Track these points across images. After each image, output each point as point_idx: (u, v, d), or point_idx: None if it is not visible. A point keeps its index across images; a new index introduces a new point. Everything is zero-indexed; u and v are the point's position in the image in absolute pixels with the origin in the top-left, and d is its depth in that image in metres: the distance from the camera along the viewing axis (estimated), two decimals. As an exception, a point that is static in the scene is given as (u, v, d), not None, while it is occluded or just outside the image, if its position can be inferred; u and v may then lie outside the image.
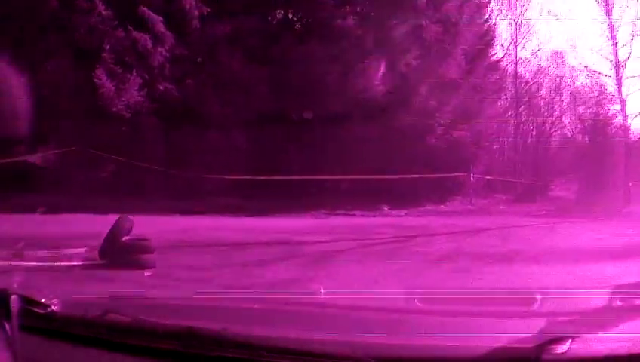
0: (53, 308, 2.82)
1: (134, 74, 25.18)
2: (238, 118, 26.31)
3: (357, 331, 2.81)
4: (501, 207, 33.35)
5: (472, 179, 33.01)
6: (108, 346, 2.67)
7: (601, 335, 2.66)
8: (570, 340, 2.37)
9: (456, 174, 31.37)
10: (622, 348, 2.37)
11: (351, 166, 26.97)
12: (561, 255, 12.95)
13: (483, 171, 36.32)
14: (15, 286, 2.71)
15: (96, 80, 24.28)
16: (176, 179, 25.15)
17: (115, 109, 24.78)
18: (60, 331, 2.77)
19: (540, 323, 2.82)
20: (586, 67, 44.79)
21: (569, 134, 49.64)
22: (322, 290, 5.04)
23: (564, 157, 47.74)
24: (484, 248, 14.82)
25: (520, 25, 47.46)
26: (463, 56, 32.81)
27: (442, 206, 30.39)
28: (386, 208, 26.13)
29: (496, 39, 40.84)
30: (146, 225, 12.92)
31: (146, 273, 10.14)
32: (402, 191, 27.57)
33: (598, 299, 4.41)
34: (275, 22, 30.67)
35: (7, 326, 2.50)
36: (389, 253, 13.63)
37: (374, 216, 24.16)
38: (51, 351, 2.71)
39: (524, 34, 47.86)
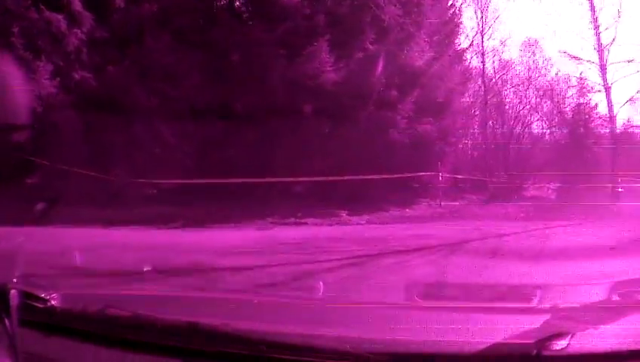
0: (53, 302, 2.96)
1: (43, 60, 21.77)
2: (168, 111, 22.93)
3: (356, 327, 2.98)
4: (474, 210, 29.78)
5: (440, 178, 29.88)
6: (107, 341, 2.79)
7: (601, 330, 2.74)
8: (570, 336, 2.48)
9: (422, 173, 28.64)
10: (622, 343, 2.50)
11: (302, 166, 23.91)
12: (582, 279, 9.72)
13: (450, 170, 33.68)
14: (15, 280, 2.82)
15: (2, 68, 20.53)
16: (99, 184, 21.72)
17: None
18: (59, 326, 2.91)
19: (540, 319, 2.92)
20: (565, 52, 42.05)
21: (545, 127, 47.88)
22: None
23: (539, 152, 45.51)
24: (468, 272, 11.36)
25: (486, 11, 44.64)
26: (426, 42, 30.12)
27: (408, 210, 27.06)
28: (343, 214, 22.74)
29: (461, 27, 38.42)
30: (52, 240, 12.01)
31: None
32: (362, 194, 24.59)
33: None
34: (210, -1, 27.13)
35: (6, 321, 2.59)
36: (340, 287, 9.79)
37: (330, 225, 20.96)
38: (51, 345, 2.84)
39: (492, 22, 45.00)
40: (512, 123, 46.24)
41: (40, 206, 15.16)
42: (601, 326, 2.79)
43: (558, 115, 45.65)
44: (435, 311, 3.53)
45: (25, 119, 20.71)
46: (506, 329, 2.73)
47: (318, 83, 24.86)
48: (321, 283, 6.40)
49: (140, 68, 23.56)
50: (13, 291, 2.64)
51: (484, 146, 44.38)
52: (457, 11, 37.18)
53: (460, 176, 35.97)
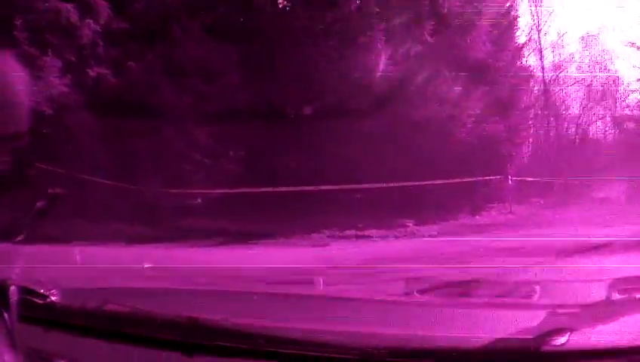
0: (53, 298, 2.99)
1: (50, 55, 19.03)
2: (202, 111, 20.21)
3: (356, 321, 2.99)
4: (546, 215, 27.14)
5: (509, 182, 27.50)
6: (107, 336, 2.82)
7: (600, 326, 2.68)
8: (569, 332, 2.44)
9: (492, 177, 26.61)
10: (621, 340, 2.46)
11: (360, 171, 21.87)
12: None
13: (516, 172, 30.74)
14: (14, 276, 2.80)
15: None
16: (125, 196, 19.61)
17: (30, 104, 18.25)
18: (59, 321, 2.94)
19: (539, 315, 2.88)
20: (631, 44, 39.21)
21: (609, 125, 45.79)
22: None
23: (604, 152, 42.96)
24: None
25: (541, 6, 42.57)
26: (487, 35, 27.74)
27: (478, 217, 25.01)
28: (410, 224, 20.30)
29: (518, 21, 35.39)
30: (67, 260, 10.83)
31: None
32: (427, 201, 22.20)
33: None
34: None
35: (6, 317, 2.57)
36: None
37: (396, 238, 18.64)
38: (51, 341, 2.87)
39: (547, 16, 43.06)
40: (574, 121, 44.61)
41: (40, 204, 13.10)
42: (601, 321, 2.70)
43: (623, 111, 43.87)
44: (435, 306, 3.60)
45: (31, 124, 18.72)
46: (505, 324, 2.74)
47: (374, 78, 22.37)
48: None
49: (166, 63, 20.76)
50: (12, 287, 2.60)
51: (547, 147, 42.48)
52: (513, 3, 34.29)
53: (529, 179, 33.39)
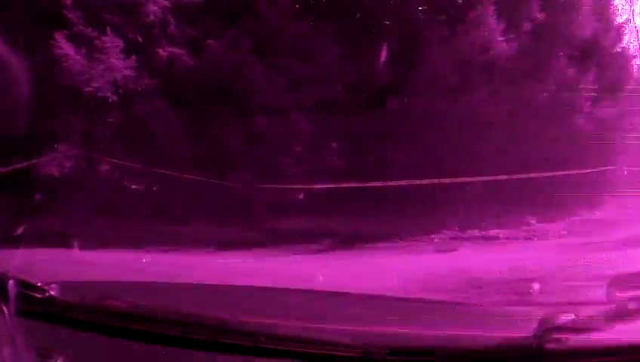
0: (52, 292, 2.95)
1: (108, 33, 17.30)
2: (299, 96, 17.96)
3: (355, 319, 2.97)
4: None
5: (624, 172, 25.07)
6: (106, 331, 2.80)
7: (601, 324, 2.64)
8: (570, 329, 2.45)
9: (606, 168, 24.22)
10: (623, 338, 2.46)
11: (477, 162, 19.29)
12: None
13: (629, 162, 27.25)
14: (13, 270, 2.85)
15: (57, 50, 16.90)
16: (214, 193, 17.40)
17: (90, 89, 16.96)
18: (58, 316, 2.91)
19: (541, 313, 2.79)
20: None
21: None
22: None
23: None
24: None
25: None
26: (590, 11, 25.29)
27: (597, 212, 23.00)
28: (532, 221, 18.74)
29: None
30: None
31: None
32: (546, 195, 20.05)
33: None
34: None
35: (5, 311, 2.61)
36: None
37: (527, 239, 16.89)
38: (49, 335, 2.83)
39: None
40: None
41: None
42: (601, 320, 2.65)
43: None
44: (435, 304, 3.81)
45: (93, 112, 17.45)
46: (506, 323, 2.78)
47: (488, 57, 20.17)
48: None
49: (253, 41, 18.20)
50: (11, 281, 2.63)
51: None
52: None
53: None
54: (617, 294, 3.64)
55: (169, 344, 2.61)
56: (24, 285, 2.76)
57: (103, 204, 16.96)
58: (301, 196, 18.57)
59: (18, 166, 16.60)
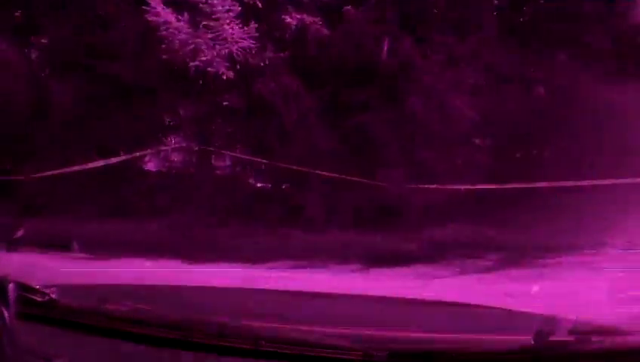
0: (52, 295, 2.96)
1: None
2: (454, 76, 15.14)
3: (355, 322, 2.97)
4: None
5: None
6: (107, 334, 2.82)
7: (601, 326, 2.71)
8: (570, 329, 2.46)
9: None
10: (622, 338, 2.49)
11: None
12: None
13: None
14: (13, 273, 2.80)
15: (151, 17, 14.48)
16: (359, 193, 14.69)
17: (196, 64, 14.44)
18: (58, 319, 2.94)
19: (539, 315, 2.97)
20: None
21: None
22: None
23: None
24: None
25: None
26: None
27: None
28: None
29: None
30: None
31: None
32: None
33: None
34: None
35: (5, 314, 2.59)
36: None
37: None
38: (50, 339, 2.87)
39: None
40: None
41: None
42: (601, 320, 2.78)
43: None
44: (434, 306, 3.71)
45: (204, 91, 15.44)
46: (505, 324, 2.81)
47: None
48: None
49: (399, 11, 15.47)
50: (11, 284, 2.60)
51: None
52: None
53: None
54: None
55: (169, 347, 2.62)
56: (24, 288, 2.71)
57: (220, 204, 14.87)
58: (454, 199, 15.28)
59: (114, 160, 14.90)
